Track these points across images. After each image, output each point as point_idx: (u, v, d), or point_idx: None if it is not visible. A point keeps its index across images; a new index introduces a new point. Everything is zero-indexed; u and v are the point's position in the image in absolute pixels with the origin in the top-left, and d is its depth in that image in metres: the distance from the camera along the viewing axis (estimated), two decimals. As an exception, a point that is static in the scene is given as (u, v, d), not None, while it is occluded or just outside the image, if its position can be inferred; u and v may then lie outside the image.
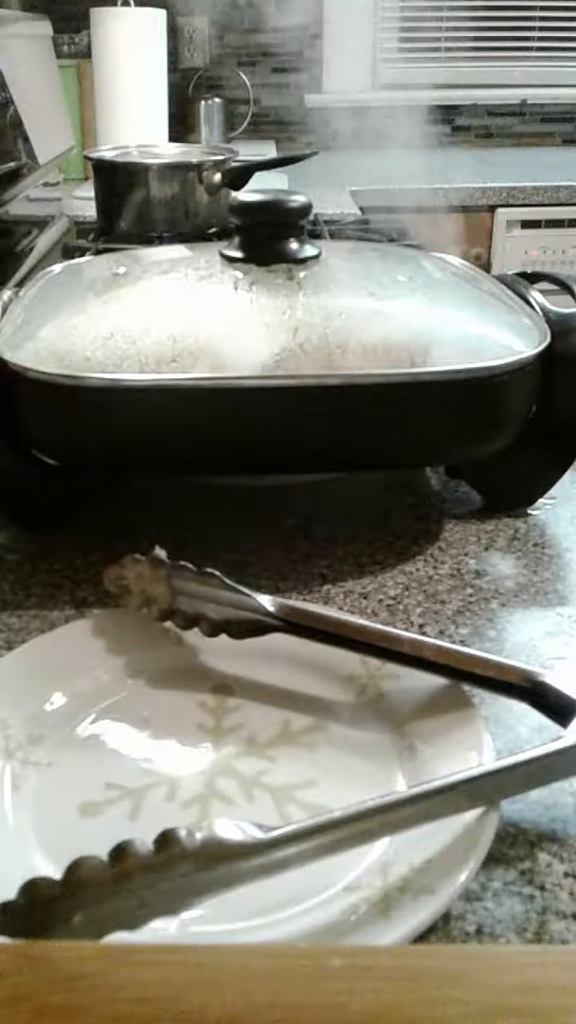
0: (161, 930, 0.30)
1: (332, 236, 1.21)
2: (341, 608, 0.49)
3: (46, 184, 1.42)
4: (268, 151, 2.04)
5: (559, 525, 0.58)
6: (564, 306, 0.57)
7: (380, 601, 0.50)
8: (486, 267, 1.78)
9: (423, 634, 0.47)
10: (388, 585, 0.52)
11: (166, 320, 0.52)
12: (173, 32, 2.01)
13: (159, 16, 1.65)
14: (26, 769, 0.38)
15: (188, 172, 1.19)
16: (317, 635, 0.42)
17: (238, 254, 0.56)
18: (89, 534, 0.56)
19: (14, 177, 1.16)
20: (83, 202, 1.51)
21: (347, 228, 1.31)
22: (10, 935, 0.27)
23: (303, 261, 0.56)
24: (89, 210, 1.36)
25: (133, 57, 1.62)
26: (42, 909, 0.27)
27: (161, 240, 1.17)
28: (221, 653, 0.44)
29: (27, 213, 1.30)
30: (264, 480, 0.59)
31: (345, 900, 0.32)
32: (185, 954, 0.25)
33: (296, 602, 0.44)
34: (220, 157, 1.22)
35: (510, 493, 0.59)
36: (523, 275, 0.63)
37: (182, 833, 0.28)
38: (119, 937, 0.28)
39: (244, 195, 0.57)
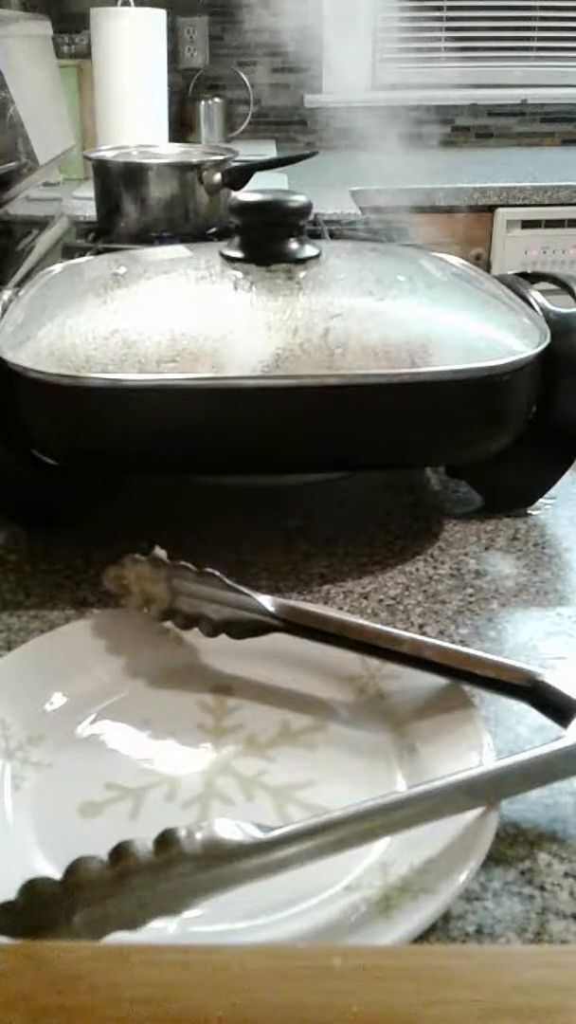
0: (161, 930, 0.30)
1: (332, 236, 1.21)
2: (341, 608, 0.49)
3: (46, 184, 1.42)
4: (268, 151, 2.04)
5: (559, 525, 0.58)
6: (564, 306, 0.57)
7: (380, 601, 0.50)
8: (486, 267, 1.78)
9: (423, 634, 0.47)
10: (388, 585, 0.52)
11: (166, 320, 0.52)
12: (173, 32, 2.01)
13: (159, 16, 1.65)
14: (26, 769, 0.38)
15: (188, 172, 1.19)
16: (317, 635, 0.42)
17: (238, 254, 0.56)
18: (89, 534, 0.56)
19: (14, 177, 1.16)
20: (83, 202, 1.51)
21: (347, 228, 1.31)
22: (10, 935, 0.27)
23: (303, 261, 0.56)
24: (89, 210, 1.36)
25: (133, 57, 1.62)
26: (42, 909, 0.27)
27: (161, 240, 1.17)
28: (221, 653, 0.44)
29: (27, 213, 1.30)
30: (264, 480, 0.59)
31: (345, 900, 0.32)
32: (185, 954, 0.25)
33: (296, 602, 0.44)
34: (220, 157, 1.22)
35: (510, 493, 0.59)
36: (523, 275, 0.63)
37: (182, 833, 0.28)
38: (119, 937, 0.28)
39: (244, 195, 0.57)
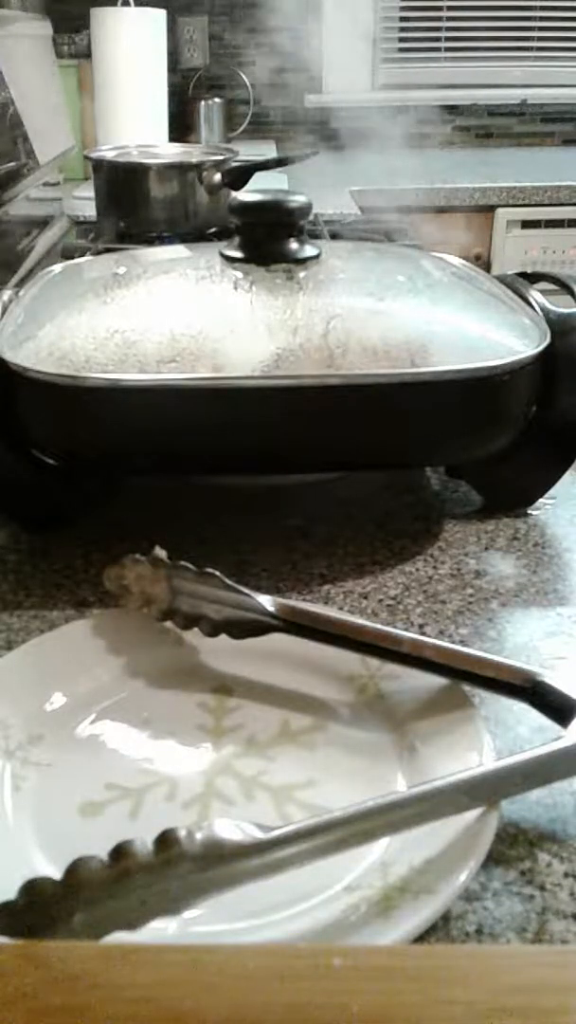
0: (161, 930, 0.30)
1: (332, 236, 1.21)
2: (341, 608, 0.49)
3: (46, 184, 1.42)
4: (268, 151, 2.04)
5: (559, 525, 0.58)
6: (564, 306, 0.57)
7: (380, 601, 0.50)
8: (486, 267, 1.78)
9: (423, 634, 0.47)
10: (388, 585, 0.52)
11: (166, 320, 0.52)
12: (173, 32, 2.01)
13: (159, 16, 1.65)
14: (26, 769, 0.38)
15: (188, 172, 1.19)
16: (317, 635, 0.42)
17: (238, 254, 0.56)
18: (89, 534, 0.56)
19: (14, 177, 1.16)
20: (83, 202, 1.51)
21: (347, 228, 1.31)
22: (10, 935, 0.27)
23: (303, 261, 0.56)
24: (89, 210, 1.36)
25: (133, 57, 1.62)
26: (42, 909, 0.27)
27: (161, 240, 1.17)
28: (221, 653, 0.44)
29: (27, 213, 1.30)
30: (264, 480, 0.59)
31: (345, 900, 0.32)
32: (185, 954, 0.25)
33: (296, 602, 0.44)
34: (220, 157, 1.22)
35: (510, 493, 0.59)
36: (523, 275, 0.63)
37: (182, 833, 0.28)
38: (119, 937, 0.28)
39: (244, 195, 0.57)
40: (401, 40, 2.30)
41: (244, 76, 2.23)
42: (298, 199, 0.57)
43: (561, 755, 0.35)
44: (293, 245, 0.56)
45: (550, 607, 0.50)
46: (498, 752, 0.37)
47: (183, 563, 0.44)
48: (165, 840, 0.28)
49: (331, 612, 0.44)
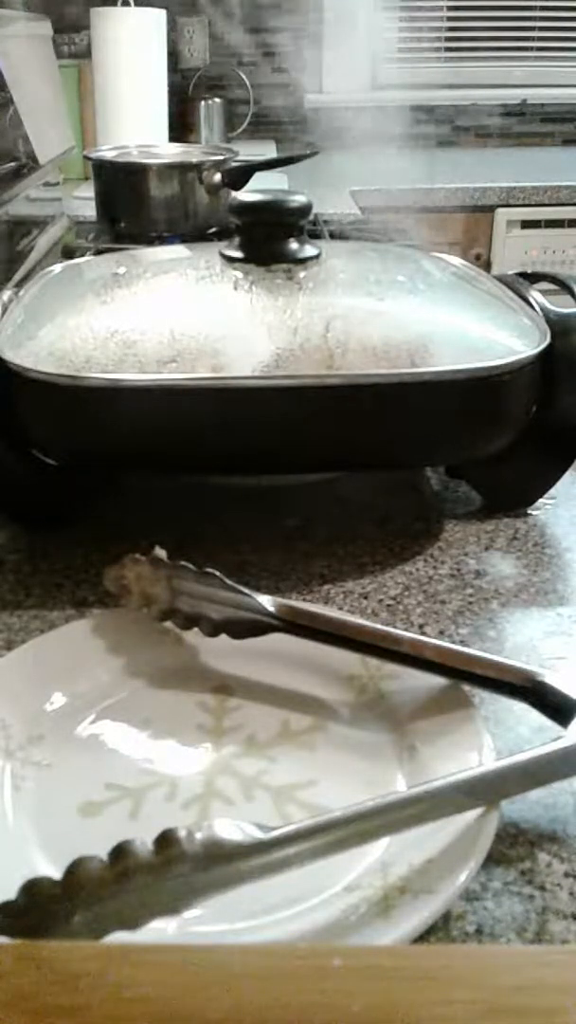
0: (161, 930, 0.30)
1: (332, 236, 1.21)
2: (341, 608, 0.49)
3: (46, 184, 1.42)
4: (268, 151, 2.04)
5: (559, 525, 0.58)
6: (564, 306, 0.57)
7: (380, 601, 0.50)
8: (486, 267, 1.78)
9: (423, 634, 0.47)
10: (388, 585, 0.52)
11: (166, 320, 0.52)
12: (173, 32, 2.01)
13: (159, 16, 1.65)
14: (26, 769, 0.38)
15: (188, 172, 1.19)
16: (317, 635, 0.42)
17: (238, 254, 0.56)
18: (89, 534, 0.56)
19: (14, 177, 1.16)
20: (83, 202, 1.52)
21: (347, 228, 1.31)
22: (10, 935, 0.27)
23: (303, 261, 0.56)
24: (89, 210, 1.36)
25: (133, 57, 1.62)
26: (42, 909, 0.27)
27: (161, 240, 1.17)
28: (221, 653, 0.44)
29: (27, 213, 1.30)
30: (264, 480, 0.59)
31: (345, 900, 0.32)
32: (185, 954, 0.25)
33: (296, 602, 0.44)
34: (220, 157, 1.22)
35: (510, 493, 0.59)
36: (523, 275, 0.63)
37: (182, 833, 0.28)
38: (119, 937, 0.28)
39: (244, 195, 0.57)
40: (401, 40, 2.30)
41: (244, 76, 2.23)
42: (298, 199, 0.57)
43: (561, 755, 0.35)
44: (293, 245, 0.56)
45: (550, 607, 0.50)
46: (498, 752, 0.37)
47: (183, 563, 0.44)
48: (165, 840, 0.28)
49: (331, 612, 0.44)
